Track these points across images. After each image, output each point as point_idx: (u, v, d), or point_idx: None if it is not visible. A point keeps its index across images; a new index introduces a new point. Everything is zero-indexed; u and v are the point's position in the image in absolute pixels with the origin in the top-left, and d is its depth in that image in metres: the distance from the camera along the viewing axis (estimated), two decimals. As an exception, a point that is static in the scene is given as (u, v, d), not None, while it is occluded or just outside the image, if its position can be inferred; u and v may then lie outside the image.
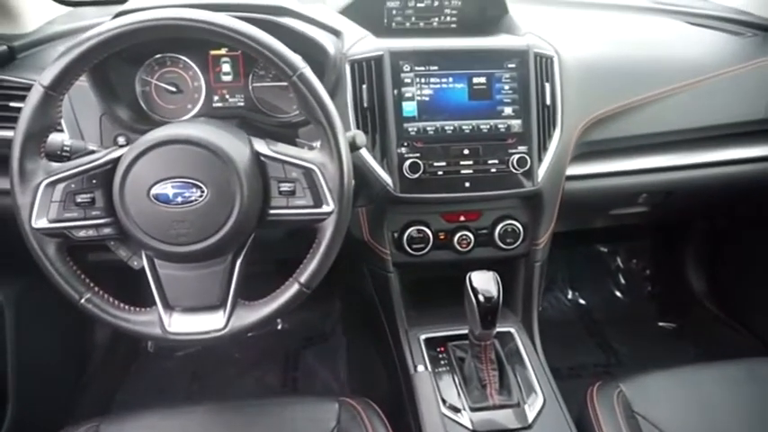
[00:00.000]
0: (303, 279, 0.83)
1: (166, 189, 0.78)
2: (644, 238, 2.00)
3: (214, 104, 1.11)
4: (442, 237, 1.17)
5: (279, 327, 1.86)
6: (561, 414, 1.04)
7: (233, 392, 1.63)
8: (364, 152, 1.08)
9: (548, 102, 1.12)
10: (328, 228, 0.83)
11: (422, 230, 1.15)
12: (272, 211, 0.83)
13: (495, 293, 0.95)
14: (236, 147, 0.80)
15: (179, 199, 0.78)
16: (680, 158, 1.28)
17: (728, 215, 1.60)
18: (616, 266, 2.04)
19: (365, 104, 1.07)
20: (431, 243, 1.16)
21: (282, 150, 0.84)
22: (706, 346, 1.73)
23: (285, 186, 0.82)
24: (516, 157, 1.09)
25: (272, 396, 1.57)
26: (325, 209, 0.82)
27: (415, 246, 1.15)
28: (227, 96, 1.12)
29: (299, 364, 1.73)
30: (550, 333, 1.66)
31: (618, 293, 2.01)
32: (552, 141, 1.13)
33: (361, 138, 0.92)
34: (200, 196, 0.78)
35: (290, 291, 0.83)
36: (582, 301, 1.98)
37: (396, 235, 1.16)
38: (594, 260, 2.03)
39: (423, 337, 1.17)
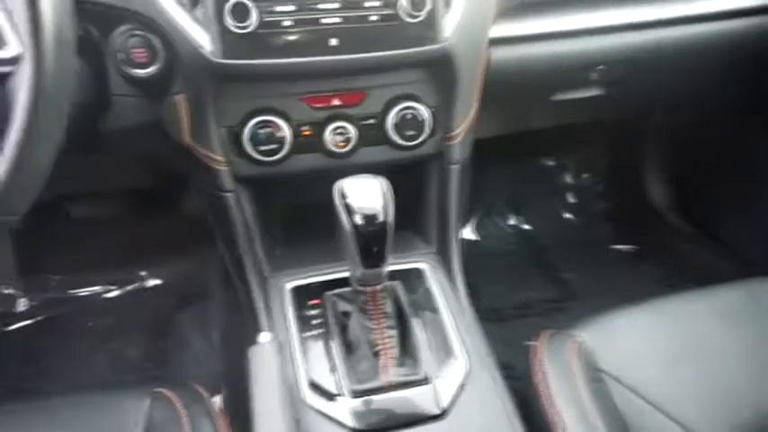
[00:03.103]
0: None
1: None
2: (595, 147, 1.67)
3: None
4: (306, 132, 0.78)
5: (148, 283, 1.45)
6: (493, 387, 0.69)
7: (78, 374, 1.26)
8: None
9: None
10: (19, 91, 0.44)
11: (272, 123, 0.75)
12: None
13: (379, 209, 0.60)
14: None
15: None
16: (649, 12, 0.93)
17: (699, 101, 1.27)
18: (564, 183, 1.74)
19: None
20: (289, 143, 0.76)
21: None
22: (674, 269, 1.47)
23: None
24: None
25: (130, 376, 1.24)
26: (5, 52, 0.44)
27: (263, 148, 0.75)
28: None
29: (170, 330, 1.35)
30: (490, 267, 1.36)
31: (567, 214, 1.73)
32: None
33: None
34: None
35: None
36: (526, 226, 1.68)
37: (232, 132, 0.75)
38: (539, 177, 1.73)
39: (289, 285, 0.81)
